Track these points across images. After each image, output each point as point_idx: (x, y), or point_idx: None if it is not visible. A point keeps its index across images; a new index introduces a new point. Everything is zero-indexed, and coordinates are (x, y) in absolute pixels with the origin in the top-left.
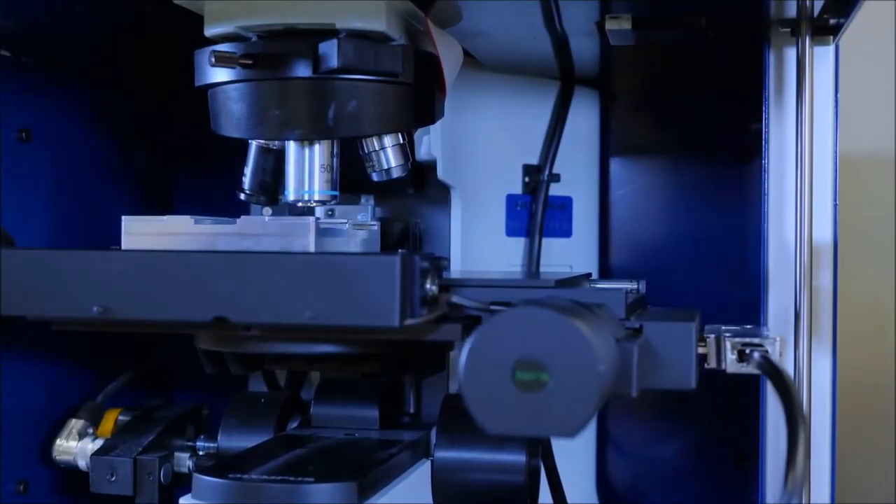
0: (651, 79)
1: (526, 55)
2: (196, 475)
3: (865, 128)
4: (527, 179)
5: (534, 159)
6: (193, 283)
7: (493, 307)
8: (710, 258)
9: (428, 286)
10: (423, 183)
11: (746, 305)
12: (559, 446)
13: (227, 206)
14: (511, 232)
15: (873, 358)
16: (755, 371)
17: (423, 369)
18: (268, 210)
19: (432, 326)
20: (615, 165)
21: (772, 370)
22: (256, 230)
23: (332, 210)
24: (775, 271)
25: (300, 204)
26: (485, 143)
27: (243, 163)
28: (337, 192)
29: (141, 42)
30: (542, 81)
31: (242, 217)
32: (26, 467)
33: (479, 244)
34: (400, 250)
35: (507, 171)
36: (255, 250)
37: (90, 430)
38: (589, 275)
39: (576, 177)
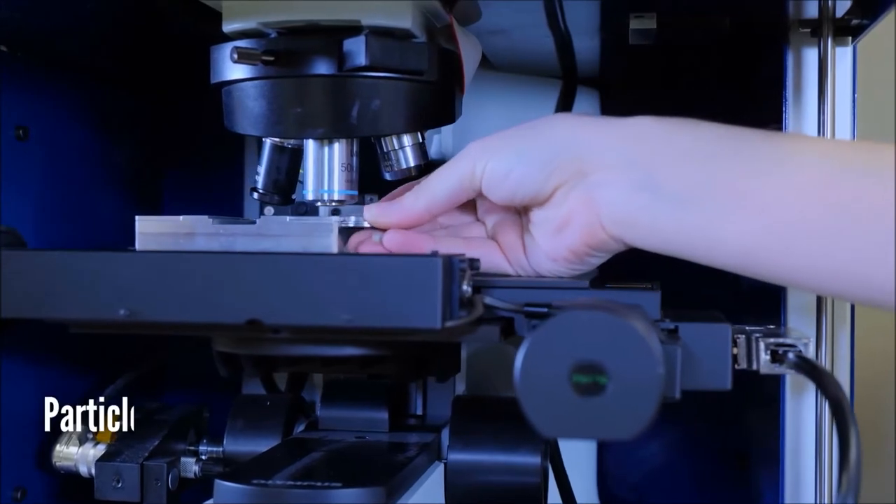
0: (650, 78)
1: (533, 54)
2: (218, 481)
3: (868, 128)
4: None
5: None
6: (226, 284)
7: (526, 309)
8: None
9: (464, 287)
10: None
11: (747, 305)
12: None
13: (217, 204)
14: None
15: (872, 357)
16: (790, 371)
17: (442, 371)
18: (269, 209)
19: (470, 328)
20: None
21: (813, 370)
22: (276, 230)
23: (337, 209)
24: None
25: (319, 203)
26: None
27: (233, 162)
28: (356, 192)
29: (137, 38)
30: (543, 80)
31: (262, 217)
32: (24, 473)
33: None
34: (434, 251)
35: None
36: (276, 251)
37: (90, 435)
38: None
39: None
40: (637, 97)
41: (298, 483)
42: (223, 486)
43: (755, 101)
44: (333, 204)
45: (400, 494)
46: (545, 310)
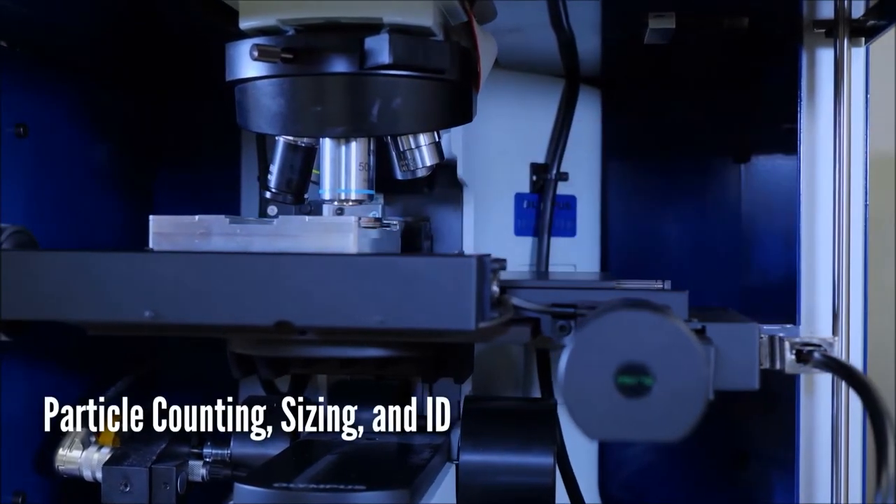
0: (652, 78)
1: (538, 52)
2: (238, 485)
3: (873, 130)
4: (534, 178)
5: (540, 158)
6: (255, 286)
7: (554, 309)
8: (711, 257)
9: (493, 288)
10: (433, 181)
11: (748, 305)
12: None
13: (213, 203)
14: (519, 231)
15: (871, 356)
16: (815, 370)
17: (460, 371)
18: (273, 208)
19: (502, 329)
20: (617, 164)
21: (844, 370)
22: (295, 230)
23: (342, 209)
24: (807, 271)
25: (336, 203)
26: (494, 141)
27: (230, 161)
28: (373, 192)
29: (137, 36)
30: (545, 79)
31: (280, 216)
32: (24, 478)
33: (488, 243)
34: (460, 250)
35: (515, 170)
36: (295, 250)
37: (93, 439)
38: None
39: (579, 176)
40: (639, 97)
41: (321, 486)
42: (244, 490)
43: (760, 102)
44: (350, 204)
45: (421, 495)
46: (572, 310)
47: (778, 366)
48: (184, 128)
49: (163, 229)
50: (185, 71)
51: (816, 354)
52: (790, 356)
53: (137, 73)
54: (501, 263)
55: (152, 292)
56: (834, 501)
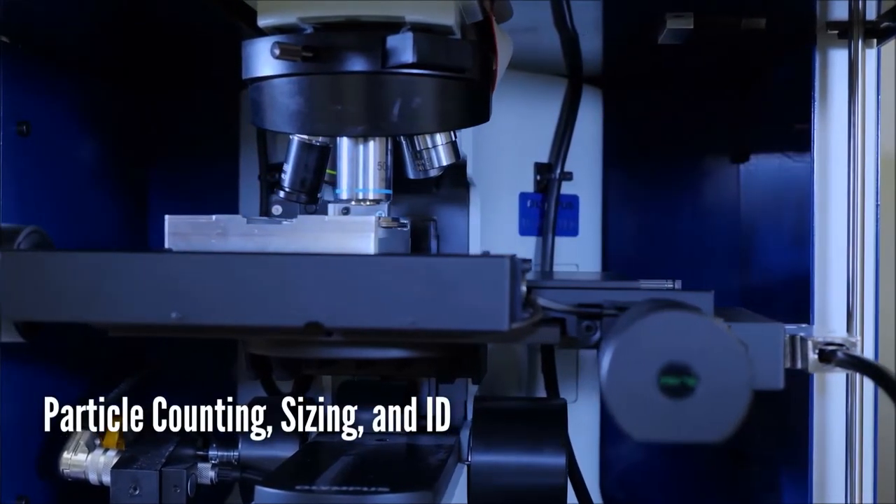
0: (653, 78)
1: (546, 52)
2: (259, 487)
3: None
4: (538, 178)
5: (543, 157)
6: (285, 287)
7: (581, 310)
8: (710, 256)
9: (522, 288)
10: (440, 181)
11: (747, 304)
12: None
13: (213, 202)
14: (523, 231)
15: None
16: (839, 370)
17: (477, 371)
18: (278, 208)
19: (531, 329)
20: (617, 164)
21: (871, 369)
22: (313, 229)
23: (347, 209)
24: (819, 270)
25: (353, 203)
26: (499, 141)
27: (229, 160)
28: (391, 191)
29: (135, 34)
30: (548, 79)
31: (299, 216)
32: (26, 482)
33: (493, 243)
34: (488, 251)
35: (519, 170)
36: (313, 251)
37: (97, 442)
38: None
39: (581, 176)
40: (640, 97)
41: (344, 488)
42: (266, 493)
43: (760, 102)
44: (367, 204)
45: (441, 496)
46: (598, 310)
47: (800, 365)
48: (182, 126)
49: (179, 229)
50: (184, 69)
51: (840, 354)
52: (813, 356)
53: (137, 70)
54: (528, 264)
55: (179, 294)
56: (848, 502)
